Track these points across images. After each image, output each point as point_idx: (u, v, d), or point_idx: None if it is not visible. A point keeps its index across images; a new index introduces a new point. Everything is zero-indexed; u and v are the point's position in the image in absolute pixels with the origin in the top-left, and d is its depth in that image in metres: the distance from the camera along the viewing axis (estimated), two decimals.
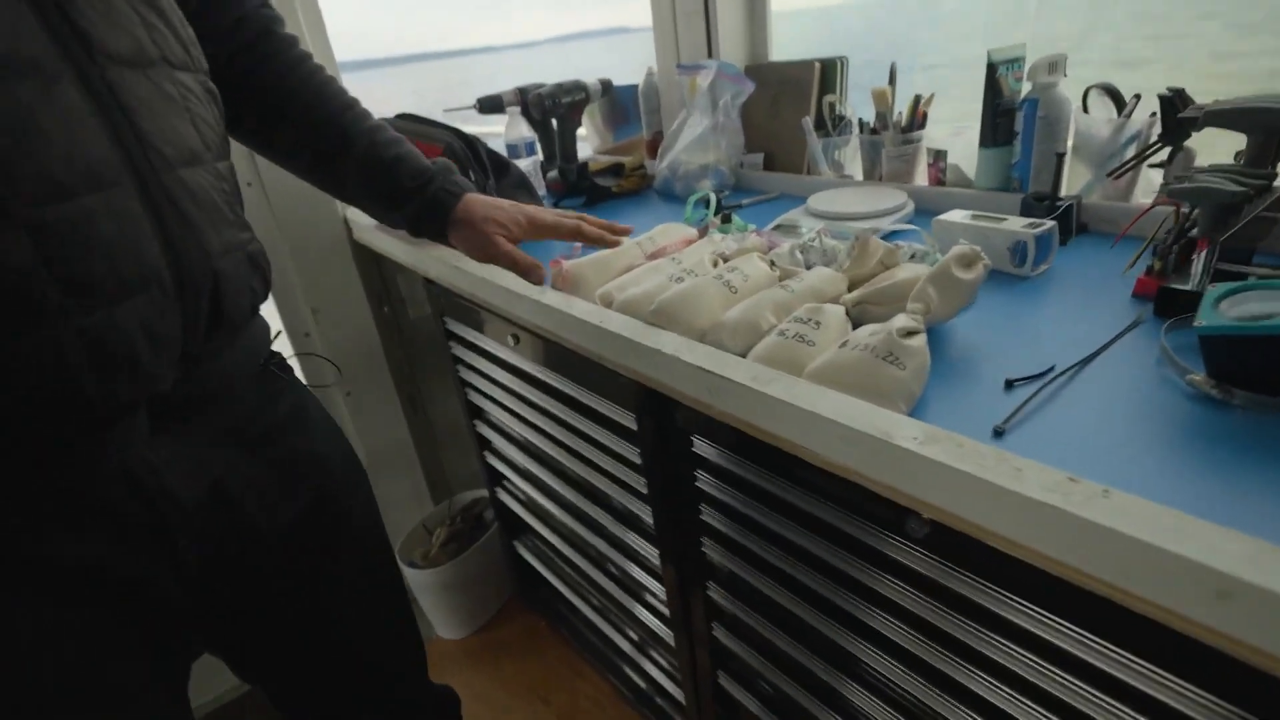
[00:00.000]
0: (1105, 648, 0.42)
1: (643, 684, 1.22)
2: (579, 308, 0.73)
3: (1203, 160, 0.76)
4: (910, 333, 0.54)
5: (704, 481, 0.75)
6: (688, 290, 0.68)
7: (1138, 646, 0.41)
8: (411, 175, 0.72)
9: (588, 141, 1.69)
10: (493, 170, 1.06)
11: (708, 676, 0.94)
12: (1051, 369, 0.54)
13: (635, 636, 1.16)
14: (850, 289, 0.69)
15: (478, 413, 1.31)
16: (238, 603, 0.60)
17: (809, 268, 0.78)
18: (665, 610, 0.98)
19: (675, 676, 1.08)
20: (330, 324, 1.41)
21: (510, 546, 1.50)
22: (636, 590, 1.06)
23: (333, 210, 1.33)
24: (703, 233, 0.92)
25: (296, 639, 0.66)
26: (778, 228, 0.95)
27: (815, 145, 1.12)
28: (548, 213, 0.76)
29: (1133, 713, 0.43)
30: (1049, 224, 0.71)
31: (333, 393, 1.48)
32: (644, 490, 0.87)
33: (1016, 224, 0.73)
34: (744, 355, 0.61)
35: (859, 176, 1.13)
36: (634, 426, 0.81)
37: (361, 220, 1.26)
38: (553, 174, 1.36)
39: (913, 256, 0.71)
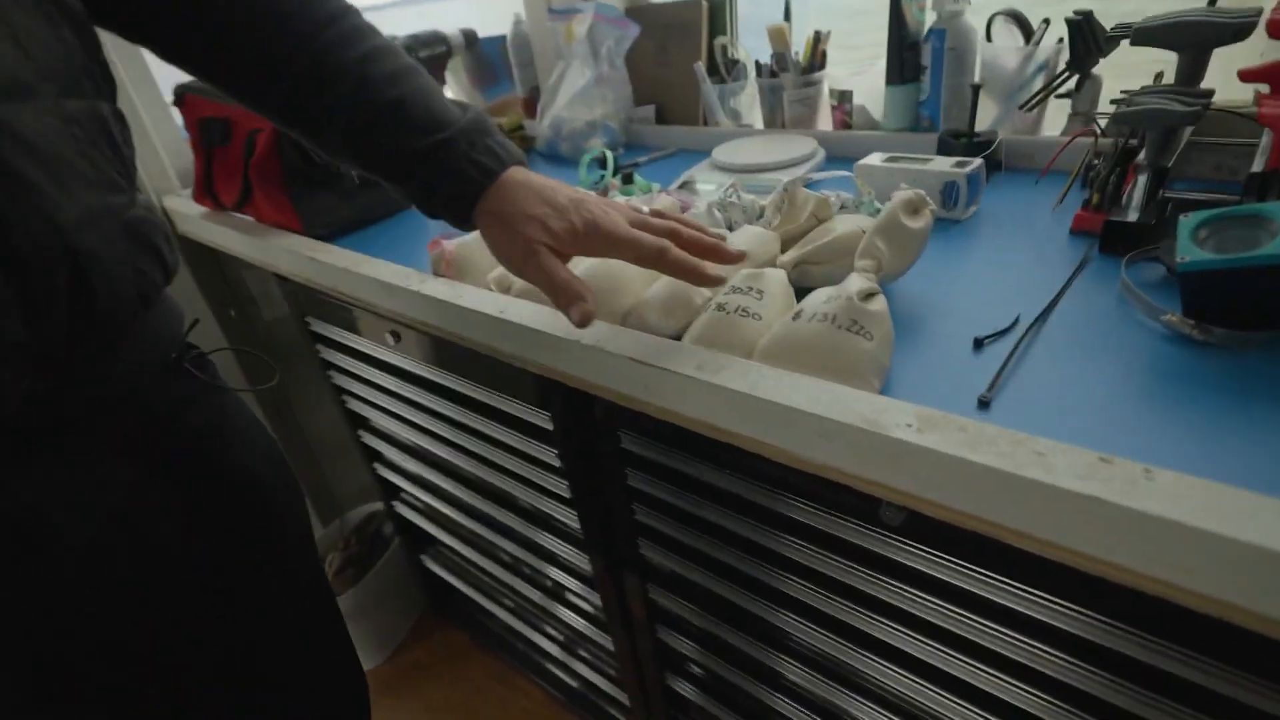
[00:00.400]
0: (1154, 642, 0.37)
1: (578, 686, 1.14)
2: (470, 297, 0.61)
3: (1111, 89, 0.74)
4: (869, 295, 0.46)
5: (637, 479, 0.65)
6: (600, 265, 0.57)
7: (1195, 642, 0.36)
8: (419, 129, 0.46)
9: None
10: None
11: (656, 682, 0.87)
12: (1016, 322, 0.49)
13: (566, 638, 1.07)
14: (782, 249, 0.61)
15: (361, 422, 1.15)
16: (152, 652, 0.49)
17: (731, 227, 0.70)
18: (602, 616, 0.89)
19: (614, 677, 1.00)
20: None
21: (417, 561, 1.35)
22: (566, 597, 0.96)
23: (148, 199, 1.09)
24: (603, 196, 0.81)
25: (220, 690, 0.54)
26: (684, 185, 0.86)
27: (710, 93, 1.03)
28: (619, 220, 0.47)
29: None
30: (977, 162, 0.66)
31: None
32: (567, 494, 0.77)
33: (943, 164, 0.67)
34: (678, 337, 0.52)
35: (759, 124, 1.06)
36: (549, 426, 0.70)
37: (186, 210, 1.04)
38: None
39: (843, 207, 0.64)
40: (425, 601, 1.50)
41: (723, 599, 0.66)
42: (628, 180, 0.83)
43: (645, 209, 0.69)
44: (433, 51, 1.13)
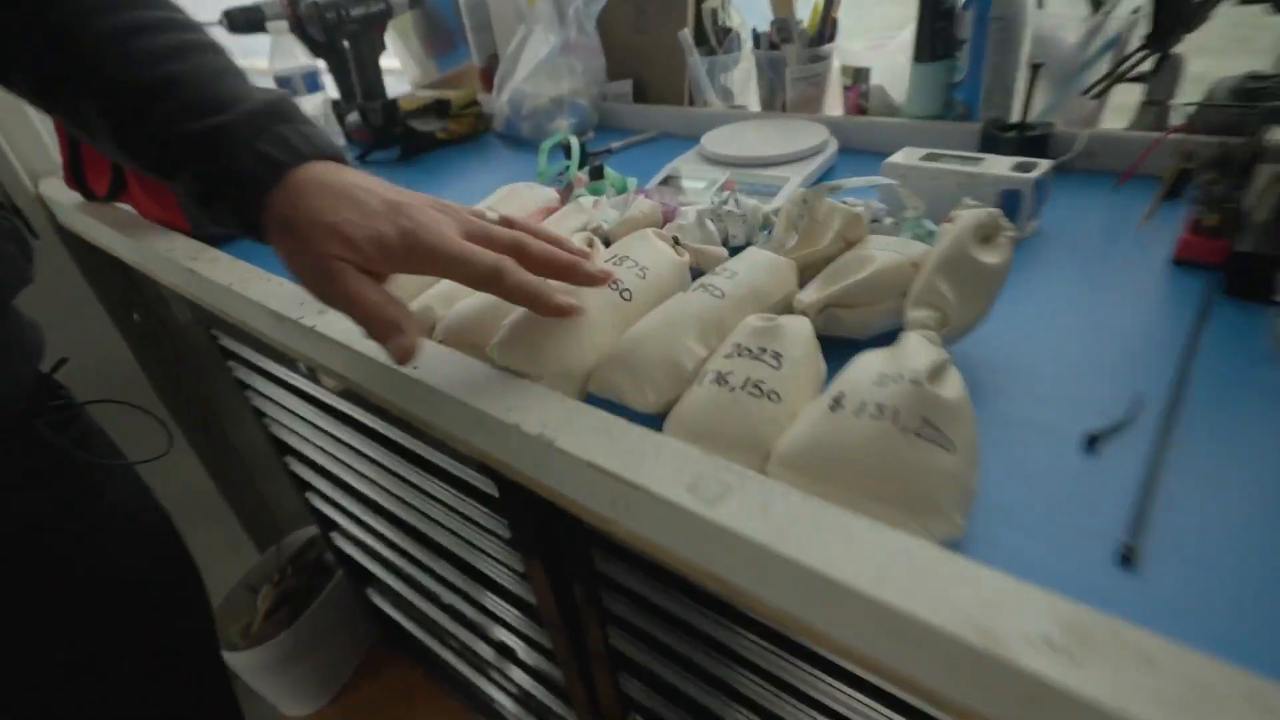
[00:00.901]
0: None
1: None
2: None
3: (1196, 72, 0.59)
4: (940, 372, 0.31)
5: (604, 564, 0.51)
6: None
7: None
8: (190, 111, 0.37)
9: (405, 75, 1.32)
10: None
11: None
12: (1136, 405, 0.35)
13: (519, 694, 0.93)
14: (799, 278, 0.45)
15: (286, 449, 0.98)
16: None
17: (728, 243, 0.54)
18: (562, 684, 0.75)
19: None
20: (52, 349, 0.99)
21: (362, 594, 1.20)
22: (519, 658, 0.82)
23: (18, 183, 0.90)
24: (565, 194, 0.65)
25: None
26: (667, 182, 0.70)
27: (698, 66, 0.87)
28: (447, 231, 0.37)
29: None
30: (1046, 165, 0.51)
31: None
32: (520, 568, 0.62)
33: (998, 165, 0.53)
34: (657, 411, 0.37)
35: (754, 106, 0.90)
36: (495, 494, 0.55)
37: (65, 198, 0.85)
38: (353, 118, 1.01)
39: (874, 220, 0.49)
40: (375, 633, 1.35)
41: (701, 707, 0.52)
42: (596, 175, 0.67)
43: (615, 215, 0.54)
44: (367, 9, 0.94)
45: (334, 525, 1.07)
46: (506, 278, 0.37)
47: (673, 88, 0.95)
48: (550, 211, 0.61)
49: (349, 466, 0.80)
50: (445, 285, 0.49)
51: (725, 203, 0.55)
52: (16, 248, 0.42)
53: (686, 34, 0.85)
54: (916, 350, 0.33)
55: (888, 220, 0.49)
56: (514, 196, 0.62)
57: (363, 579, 1.15)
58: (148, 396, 1.12)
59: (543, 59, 0.91)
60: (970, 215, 0.38)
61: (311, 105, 0.95)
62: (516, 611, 0.71)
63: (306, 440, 0.87)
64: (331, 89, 1.06)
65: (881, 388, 0.31)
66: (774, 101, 0.85)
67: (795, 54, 0.79)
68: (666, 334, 0.38)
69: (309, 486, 1.02)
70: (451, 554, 0.75)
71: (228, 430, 1.26)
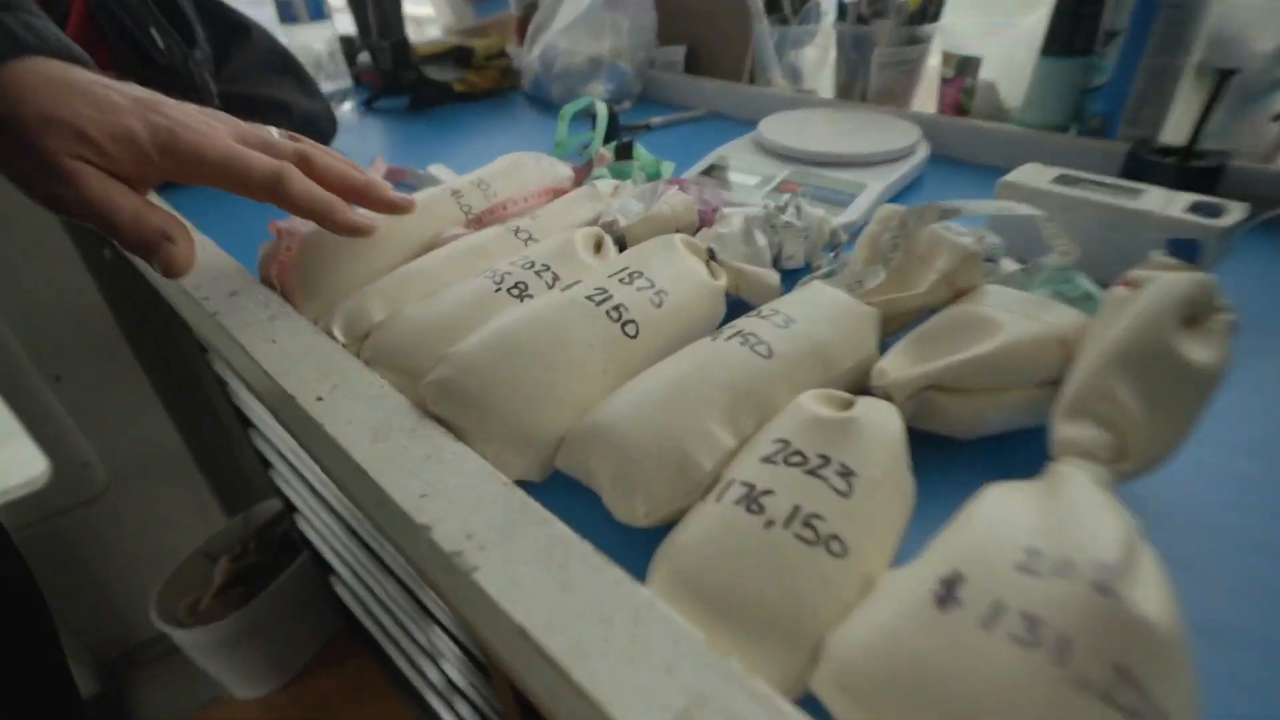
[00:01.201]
0: None
1: None
2: (296, 370, 0.32)
3: None
4: (1133, 561, 0.18)
5: None
6: (526, 328, 0.29)
7: None
8: None
9: (438, 22, 1.19)
10: (208, 24, 0.59)
11: None
12: None
13: None
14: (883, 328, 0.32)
15: (248, 422, 0.87)
16: None
17: (780, 265, 0.41)
18: None
19: None
20: (20, 287, 0.89)
21: (325, 580, 1.10)
22: (475, 708, 0.71)
23: None
24: (581, 175, 0.51)
25: None
26: (710, 173, 0.56)
27: (765, 37, 0.72)
28: (215, 132, 0.33)
29: None
30: (1237, 208, 0.37)
31: (42, 393, 0.98)
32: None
33: (1167, 203, 0.38)
34: (650, 526, 0.24)
35: (827, 91, 0.75)
36: None
37: None
38: (363, 58, 0.89)
39: (987, 260, 0.35)
40: (338, 618, 1.26)
41: None
42: (624, 154, 0.53)
43: (636, 209, 0.41)
44: None
45: (295, 508, 0.97)
46: (291, 184, 0.34)
47: (732, 60, 0.80)
48: (557, 193, 0.48)
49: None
50: (390, 280, 0.37)
51: (784, 209, 0.41)
52: None
53: None
54: (1088, 506, 0.19)
55: (1010, 265, 0.35)
56: (515, 170, 0.48)
57: (326, 566, 1.06)
58: (119, 346, 1.03)
59: (584, 11, 0.77)
60: (1171, 283, 0.24)
61: (316, 37, 0.83)
62: (463, 656, 0.59)
63: (265, 420, 0.76)
64: (350, 27, 0.94)
65: (1033, 579, 0.18)
66: (852, 88, 0.70)
67: (888, 32, 0.64)
68: (680, 407, 0.25)
69: (270, 464, 0.91)
70: (399, 578, 0.63)
71: (205, 384, 1.16)
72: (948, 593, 0.18)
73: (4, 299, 0.91)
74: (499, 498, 0.24)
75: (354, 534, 0.71)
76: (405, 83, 0.81)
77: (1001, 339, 0.27)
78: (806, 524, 0.21)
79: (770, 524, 0.21)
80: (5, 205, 0.86)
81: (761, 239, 0.39)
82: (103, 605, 1.16)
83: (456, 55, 0.84)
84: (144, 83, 0.57)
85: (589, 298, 0.31)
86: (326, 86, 0.83)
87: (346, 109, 0.85)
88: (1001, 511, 0.20)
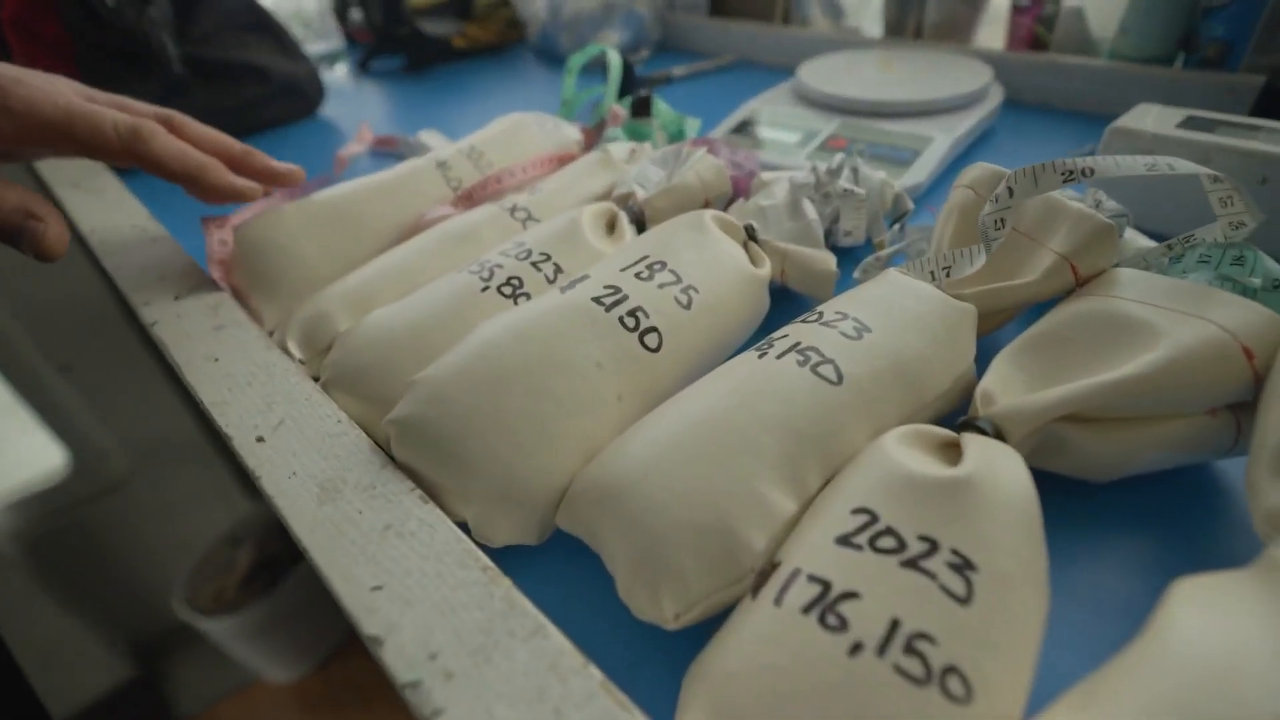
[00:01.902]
0: None
1: None
2: (234, 367, 0.26)
3: None
4: None
5: None
6: (515, 346, 0.22)
7: None
8: None
9: None
10: None
11: None
12: None
13: None
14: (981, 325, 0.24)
15: None
16: None
17: (834, 242, 0.34)
18: None
19: None
20: (7, 276, 0.85)
21: None
22: None
23: None
24: (591, 137, 0.44)
25: None
26: (742, 130, 0.48)
27: None
28: (51, 88, 0.29)
29: None
30: None
31: (52, 385, 0.95)
32: None
33: None
34: (678, 623, 0.17)
35: (873, 29, 0.66)
36: None
37: None
38: (355, 14, 0.81)
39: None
40: None
41: None
42: (641, 110, 0.45)
43: (657, 175, 0.34)
44: None
45: None
46: (153, 139, 0.30)
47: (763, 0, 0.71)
48: (563, 161, 0.40)
49: None
50: (358, 278, 0.30)
51: (837, 172, 0.34)
52: None
53: None
54: None
55: (1138, 239, 0.27)
56: (514, 134, 0.41)
57: None
58: (125, 333, 0.99)
59: None
60: None
61: None
62: None
63: None
64: None
65: None
66: (904, 24, 0.61)
67: None
68: (721, 461, 0.19)
69: None
70: None
71: None
72: None
73: (4, 288, 0.87)
74: (476, 594, 0.17)
75: None
76: (399, 39, 0.73)
77: (1164, 351, 0.19)
78: (910, 649, 0.15)
79: (857, 649, 0.15)
80: None
81: (812, 211, 0.32)
82: (133, 592, 1.16)
83: (454, 6, 0.76)
84: (93, 47, 0.51)
85: (597, 300, 0.24)
86: (317, 47, 0.76)
87: (339, 72, 0.78)
88: (1221, 642, 0.13)
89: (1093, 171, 0.22)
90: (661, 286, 0.25)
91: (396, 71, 0.76)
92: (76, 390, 0.99)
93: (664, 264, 0.26)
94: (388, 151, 0.54)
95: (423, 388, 0.22)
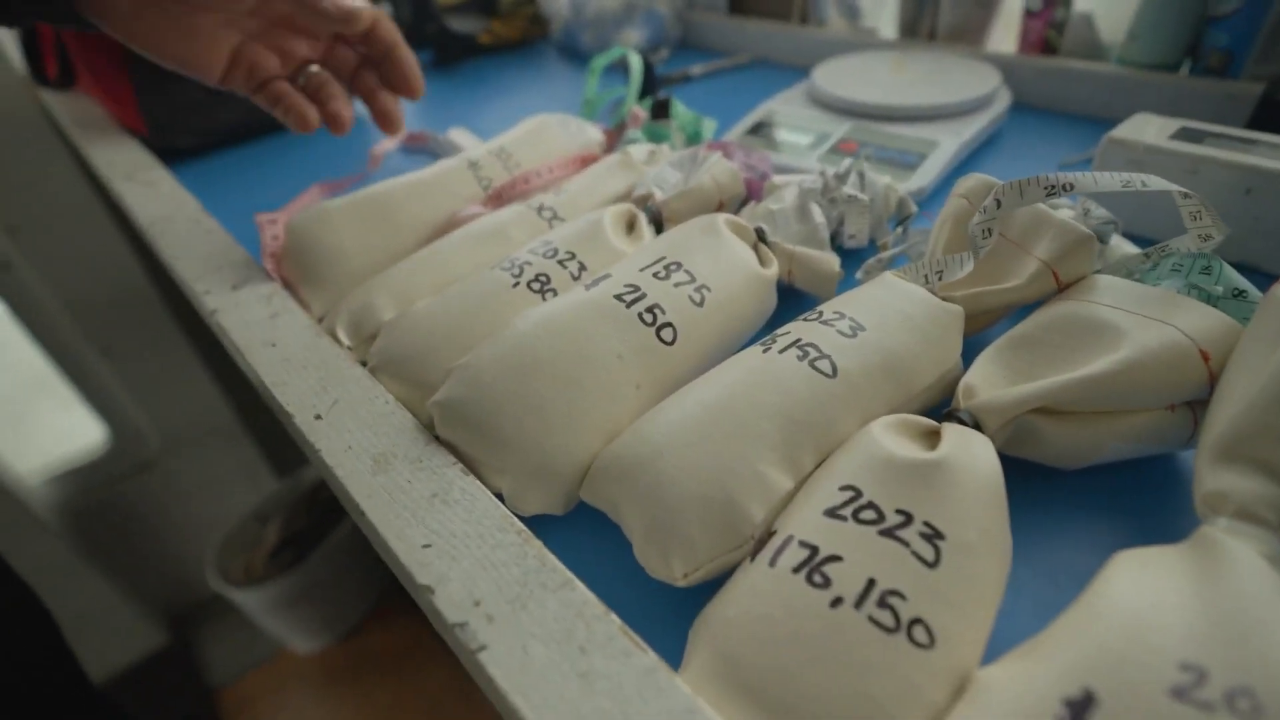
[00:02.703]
0: None
1: None
2: (291, 352, 0.29)
3: None
4: None
5: None
6: (545, 339, 0.25)
7: None
8: None
9: None
10: None
11: None
12: None
13: None
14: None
15: None
16: None
17: (839, 244, 0.36)
18: None
19: None
20: (49, 244, 0.89)
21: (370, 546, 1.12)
22: None
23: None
24: (613, 138, 0.46)
25: None
26: (757, 131, 0.50)
27: None
28: None
29: None
30: None
31: (94, 365, 0.99)
32: None
33: None
34: (686, 581, 0.20)
35: (888, 32, 0.67)
36: None
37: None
38: (386, 10, 0.83)
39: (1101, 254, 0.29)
40: (391, 580, 1.29)
41: None
42: (660, 112, 0.48)
43: (674, 177, 0.36)
44: None
45: None
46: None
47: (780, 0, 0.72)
48: (585, 162, 0.43)
49: None
50: (399, 271, 0.33)
51: (844, 178, 0.36)
52: None
53: None
54: (1267, 601, 0.15)
55: (1123, 245, 0.29)
56: (539, 136, 0.44)
57: None
58: (163, 317, 1.03)
59: None
60: None
61: None
62: None
63: None
64: None
65: (1196, 714, 0.13)
66: (918, 25, 0.62)
67: None
68: (726, 442, 0.21)
69: None
70: None
71: None
72: (1075, 716, 0.14)
73: (51, 274, 0.91)
74: (513, 553, 0.20)
75: None
76: (427, 36, 0.76)
77: (1127, 352, 0.22)
78: (883, 604, 0.17)
79: (838, 602, 0.17)
80: (46, 185, 0.85)
81: (819, 215, 0.34)
82: (165, 565, 1.21)
83: (481, 3, 0.78)
84: None
85: (619, 297, 0.26)
86: None
87: None
88: (1144, 600, 0.16)
89: (1073, 186, 0.24)
90: (677, 285, 0.27)
91: (424, 66, 0.78)
92: (116, 372, 1.03)
93: (679, 264, 0.28)
94: (419, 147, 0.57)
95: (463, 373, 0.25)
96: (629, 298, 0.27)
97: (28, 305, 0.92)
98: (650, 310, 0.26)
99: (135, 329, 1.02)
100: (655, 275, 0.28)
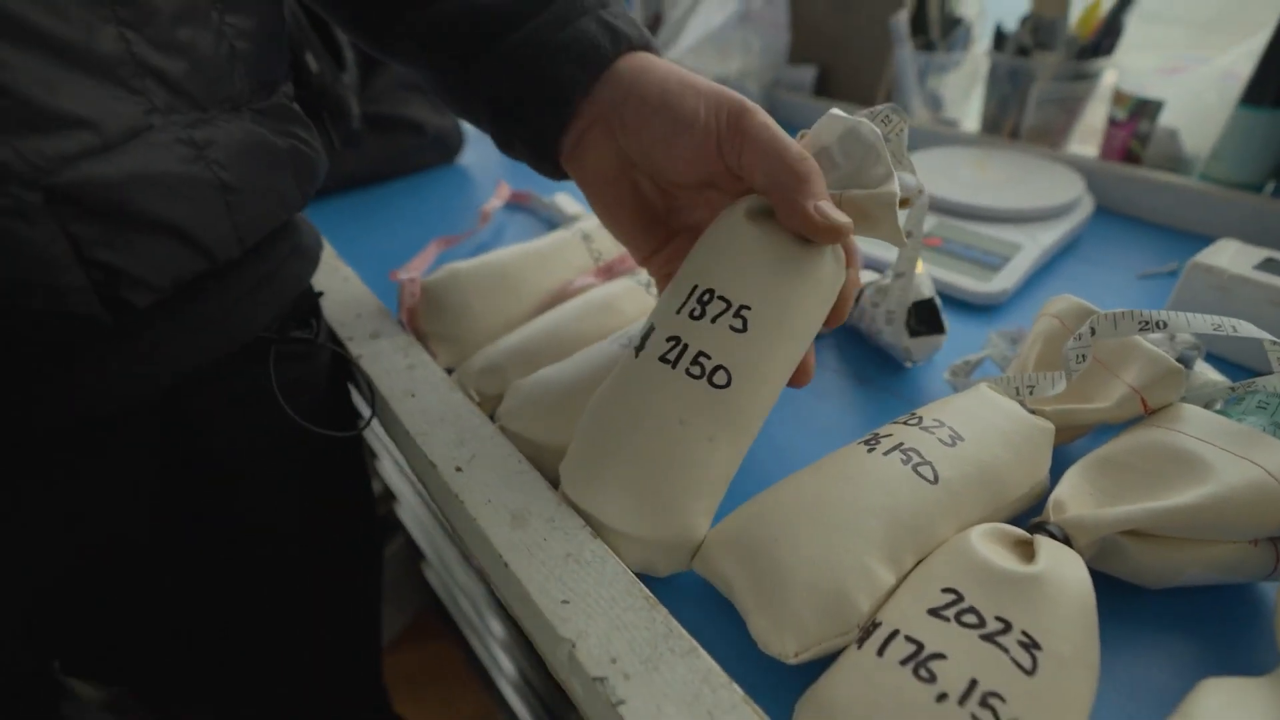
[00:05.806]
0: None
1: None
2: (428, 404, 0.33)
3: None
4: None
5: None
6: (617, 412, 0.27)
7: None
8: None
9: None
10: (355, 47, 0.61)
11: None
12: None
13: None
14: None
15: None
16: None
17: (915, 337, 0.38)
18: None
19: None
20: None
21: (416, 565, 1.16)
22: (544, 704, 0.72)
23: None
24: None
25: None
26: None
27: (907, 62, 0.68)
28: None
29: None
30: None
31: None
32: None
33: None
34: (798, 660, 0.22)
35: (970, 123, 0.70)
36: None
37: None
38: None
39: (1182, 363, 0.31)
40: (425, 599, 1.32)
41: None
42: None
43: None
44: None
45: (395, 496, 1.01)
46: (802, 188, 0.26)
47: (866, 83, 0.76)
48: None
49: None
50: (521, 337, 0.37)
51: (917, 280, 0.38)
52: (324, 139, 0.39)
53: (903, 20, 0.67)
54: None
55: (1207, 372, 0.31)
56: None
57: (418, 551, 1.10)
58: None
59: (716, 28, 0.75)
60: None
61: None
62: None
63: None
64: None
65: None
66: (1000, 123, 0.65)
67: (1054, 64, 0.58)
68: (836, 536, 0.24)
69: (375, 454, 0.96)
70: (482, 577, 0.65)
71: None
72: None
73: None
74: (642, 616, 0.23)
75: (447, 534, 0.73)
76: None
77: (1214, 487, 0.24)
78: (985, 704, 0.19)
79: (943, 697, 0.19)
80: None
81: (878, 316, 0.36)
82: None
83: None
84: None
85: (664, 358, 0.27)
86: None
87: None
88: None
89: (1166, 324, 0.27)
90: (714, 320, 0.26)
91: None
92: None
93: (711, 292, 0.27)
94: (523, 206, 0.61)
95: (585, 434, 0.28)
96: (673, 356, 0.26)
97: None
98: (696, 361, 0.26)
99: None
100: (692, 315, 0.27)
